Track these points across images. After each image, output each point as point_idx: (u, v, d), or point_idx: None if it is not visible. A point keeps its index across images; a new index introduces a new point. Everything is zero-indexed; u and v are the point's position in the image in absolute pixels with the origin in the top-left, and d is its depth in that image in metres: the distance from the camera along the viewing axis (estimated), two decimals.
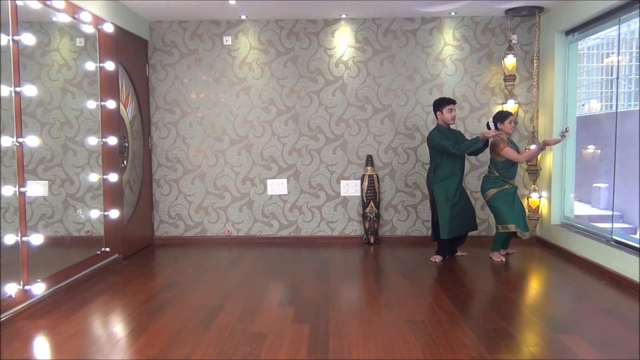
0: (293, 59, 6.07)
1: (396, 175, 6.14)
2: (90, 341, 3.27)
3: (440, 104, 5.10)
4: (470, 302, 4.06)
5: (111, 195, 5.01)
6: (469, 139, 5.24)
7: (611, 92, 7.83)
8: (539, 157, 5.75)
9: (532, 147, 5.69)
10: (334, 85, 6.08)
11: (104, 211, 4.90)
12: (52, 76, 4.40)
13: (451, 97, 5.35)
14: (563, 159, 5.64)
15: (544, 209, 5.88)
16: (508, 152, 4.99)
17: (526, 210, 5.40)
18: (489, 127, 5.18)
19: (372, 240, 6.01)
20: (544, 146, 5.01)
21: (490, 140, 5.03)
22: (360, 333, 3.31)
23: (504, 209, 5.06)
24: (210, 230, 6.23)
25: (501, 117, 5.10)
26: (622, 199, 6.65)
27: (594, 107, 8.15)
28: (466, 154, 5.11)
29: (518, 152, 5.15)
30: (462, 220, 5.06)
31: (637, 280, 4.15)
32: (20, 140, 3.62)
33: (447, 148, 4.92)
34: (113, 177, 4.93)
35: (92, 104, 4.77)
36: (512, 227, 5.03)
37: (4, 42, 3.51)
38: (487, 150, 5.16)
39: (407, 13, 5.84)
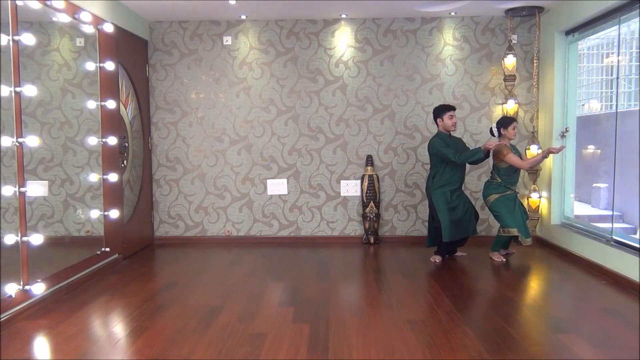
0: (293, 59, 6.07)
1: (396, 175, 6.14)
2: (90, 341, 3.27)
3: (440, 110, 5.08)
4: (470, 302, 4.06)
5: (111, 195, 5.01)
6: (469, 136, 5.25)
7: (611, 92, 7.83)
8: None
9: (532, 147, 5.71)
10: (334, 85, 6.08)
11: (104, 211, 4.90)
12: (52, 76, 4.40)
13: (450, 103, 5.35)
14: (563, 159, 5.63)
15: (544, 209, 5.88)
16: (512, 159, 4.98)
17: (527, 213, 5.38)
18: (492, 133, 5.17)
19: (372, 240, 6.01)
20: (547, 154, 4.98)
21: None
22: (360, 333, 3.31)
23: (505, 213, 5.06)
24: (210, 230, 6.23)
25: (505, 122, 5.09)
26: (622, 199, 6.65)
27: (594, 107, 8.16)
28: (467, 163, 5.10)
29: (520, 158, 5.15)
30: (462, 224, 5.05)
31: (637, 280, 4.14)
32: (20, 140, 3.62)
33: (448, 156, 4.90)
34: (113, 177, 4.93)
35: (92, 104, 4.77)
36: (514, 231, 5.03)
37: (4, 42, 3.51)
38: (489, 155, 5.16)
39: (407, 13, 5.84)
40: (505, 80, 5.90)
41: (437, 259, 5.18)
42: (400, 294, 4.14)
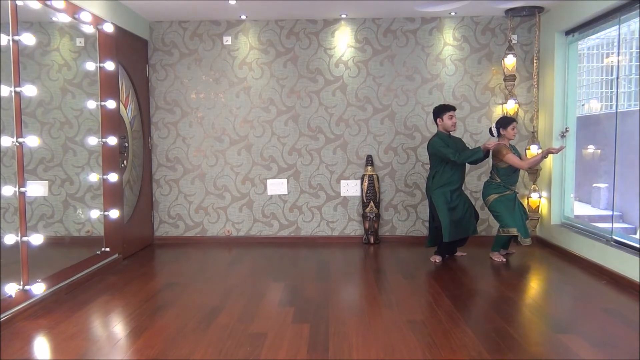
0: (293, 59, 6.07)
1: (396, 175, 6.14)
2: (90, 341, 3.27)
3: (440, 110, 5.09)
4: (470, 302, 4.06)
5: (111, 195, 5.01)
6: (469, 136, 5.24)
7: (611, 92, 7.83)
8: None
9: (532, 147, 5.71)
10: (334, 85, 6.08)
11: (104, 211, 4.90)
12: (52, 76, 4.40)
13: (450, 103, 5.36)
14: (563, 159, 5.63)
15: (544, 209, 5.88)
16: (511, 159, 4.99)
17: (527, 213, 5.38)
18: (491, 133, 5.17)
19: (372, 240, 6.01)
20: (547, 154, 4.98)
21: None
22: (360, 333, 3.31)
23: (505, 213, 5.06)
24: (210, 230, 6.23)
25: (504, 122, 5.09)
26: (622, 199, 6.65)
27: (594, 107, 8.16)
28: (466, 163, 5.10)
29: (520, 158, 5.14)
30: (462, 224, 5.06)
31: (637, 280, 4.15)
32: (20, 140, 3.62)
33: (448, 156, 4.91)
34: (113, 177, 4.93)
35: (92, 104, 4.77)
36: (513, 231, 5.03)
37: (4, 42, 3.51)
38: (489, 156, 5.16)
39: (407, 13, 5.84)
40: (505, 80, 5.90)
41: (437, 259, 5.18)
42: (400, 294, 4.14)
